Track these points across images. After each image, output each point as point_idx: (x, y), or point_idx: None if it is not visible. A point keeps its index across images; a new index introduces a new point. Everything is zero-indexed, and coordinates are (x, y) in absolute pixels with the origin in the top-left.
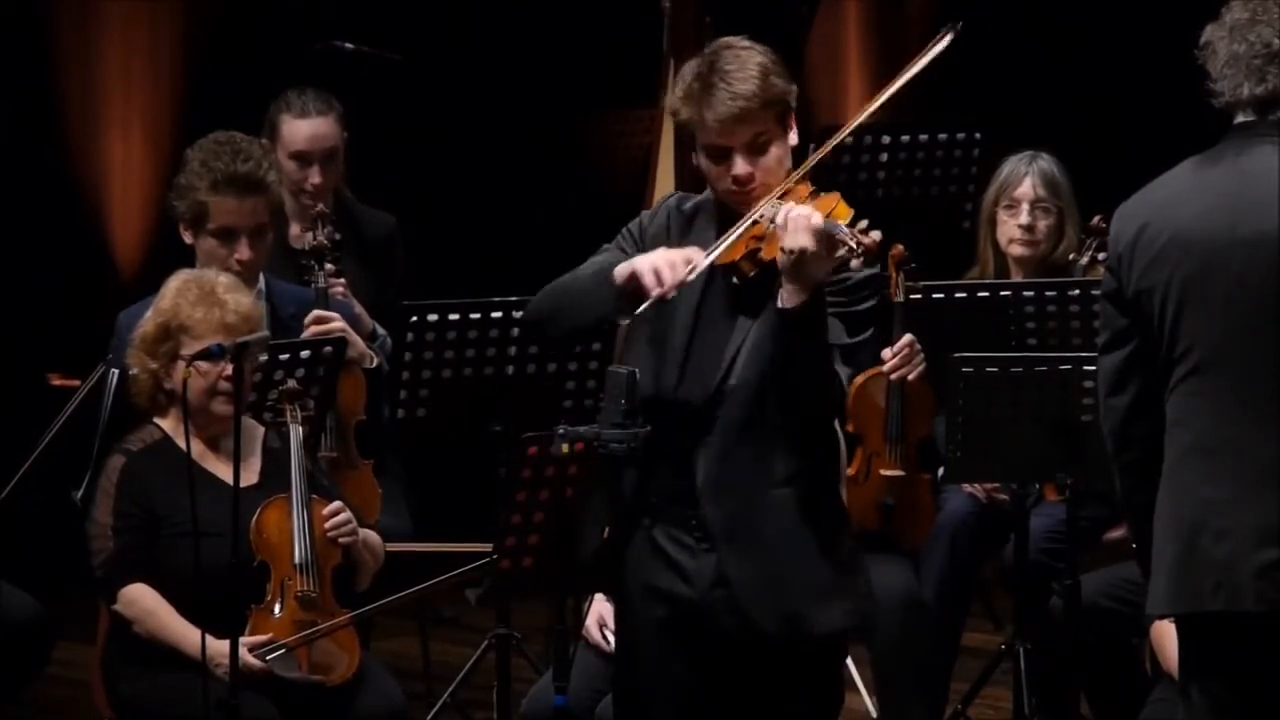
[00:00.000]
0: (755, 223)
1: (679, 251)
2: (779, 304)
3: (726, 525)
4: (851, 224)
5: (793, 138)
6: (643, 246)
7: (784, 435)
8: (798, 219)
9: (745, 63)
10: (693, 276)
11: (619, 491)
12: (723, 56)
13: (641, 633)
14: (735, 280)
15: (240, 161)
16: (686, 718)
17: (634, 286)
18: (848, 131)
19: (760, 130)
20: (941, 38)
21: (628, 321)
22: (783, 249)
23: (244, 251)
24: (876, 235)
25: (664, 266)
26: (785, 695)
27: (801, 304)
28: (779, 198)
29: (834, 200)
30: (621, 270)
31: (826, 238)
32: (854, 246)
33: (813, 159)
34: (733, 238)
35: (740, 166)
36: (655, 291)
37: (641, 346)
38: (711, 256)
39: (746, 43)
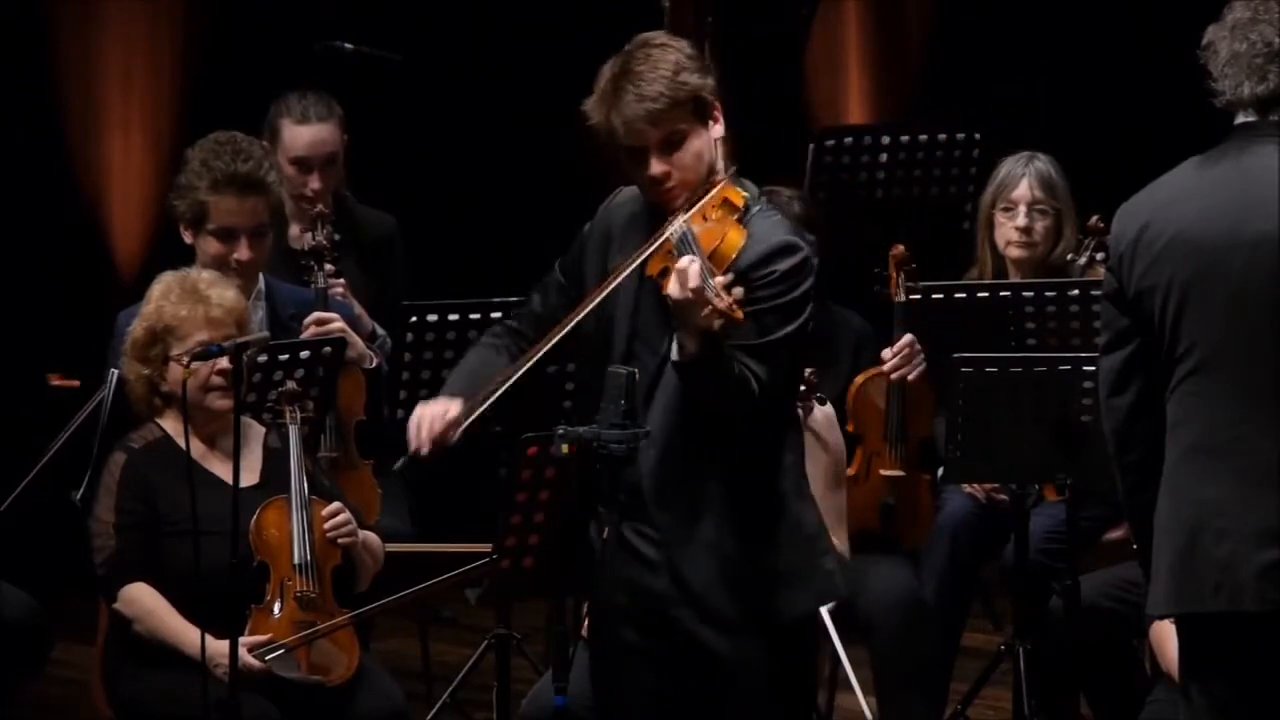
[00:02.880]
0: (665, 239)
1: (430, 414)
2: (673, 356)
3: (675, 528)
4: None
5: (717, 130)
6: (582, 259)
7: (714, 433)
8: (680, 273)
9: (657, 63)
10: (455, 432)
11: (600, 491)
12: (634, 57)
13: (613, 629)
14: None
15: (241, 161)
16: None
17: None
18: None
19: (672, 129)
20: None
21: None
22: (671, 299)
23: (244, 252)
24: (738, 293)
25: (424, 423)
26: (755, 687)
27: (693, 355)
28: (699, 207)
29: (720, 232)
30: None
31: (700, 294)
32: (716, 305)
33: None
34: (601, 294)
35: (655, 166)
36: (412, 446)
37: (592, 351)
38: (473, 416)
39: (662, 38)
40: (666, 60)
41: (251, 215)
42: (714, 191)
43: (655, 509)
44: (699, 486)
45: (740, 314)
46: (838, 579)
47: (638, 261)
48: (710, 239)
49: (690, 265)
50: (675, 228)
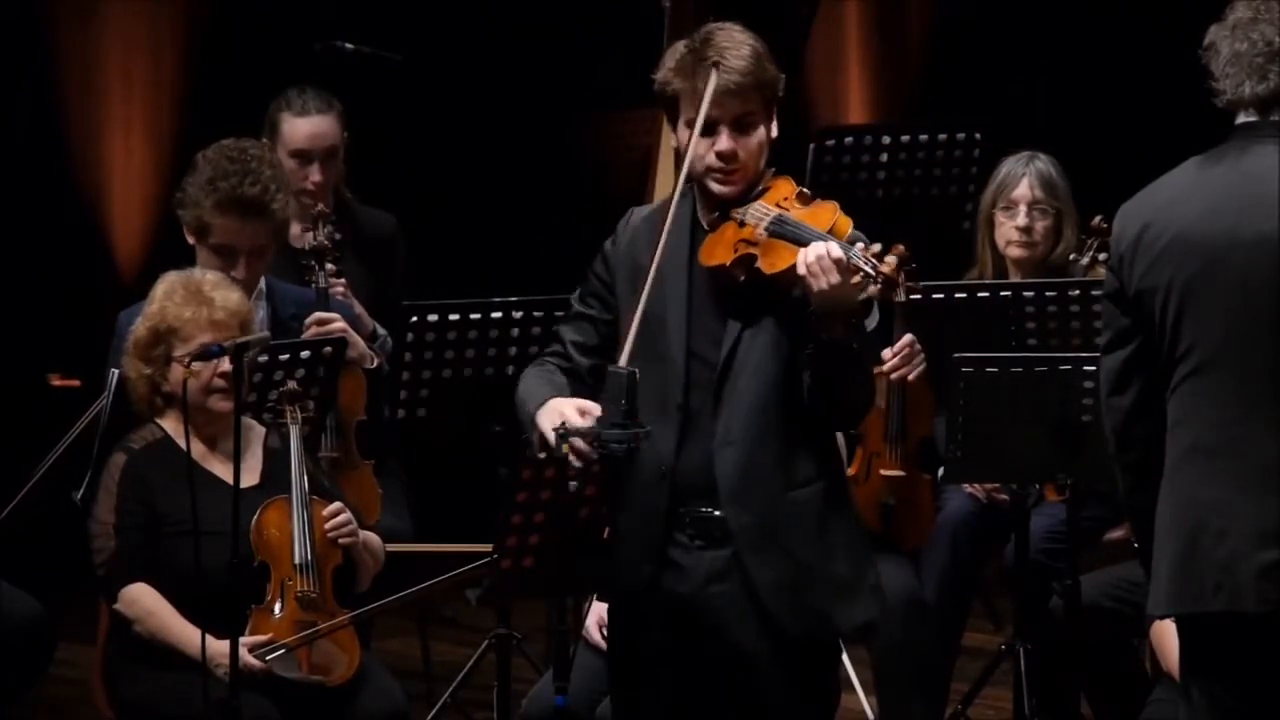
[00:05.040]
0: (742, 224)
1: (572, 406)
2: (824, 336)
3: (752, 531)
4: (859, 243)
5: (774, 130)
6: (613, 276)
7: (804, 438)
8: (822, 260)
9: (740, 44)
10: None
11: (617, 491)
12: (717, 35)
13: (637, 630)
14: (724, 283)
15: (248, 185)
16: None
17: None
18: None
19: (749, 109)
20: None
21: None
22: (816, 290)
23: (241, 271)
24: (892, 260)
25: (552, 427)
26: (782, 694)
27: (842, 342)
28: (766, 200)
29: (831, 211)
30: (537, 421)
31: (847, 266)
32: (870, 274)
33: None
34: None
35: (725, 142)
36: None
37: (635, 343)
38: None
39: (740, 28)
40: (749, 43)
41: (252, 237)
42: (779, 182)
43: (732, 512)
44: (776, 492)
45: (904, 280)
46: (882, 596)
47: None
48: (819, 219)
49: (825, 245)
50: (758, 212)
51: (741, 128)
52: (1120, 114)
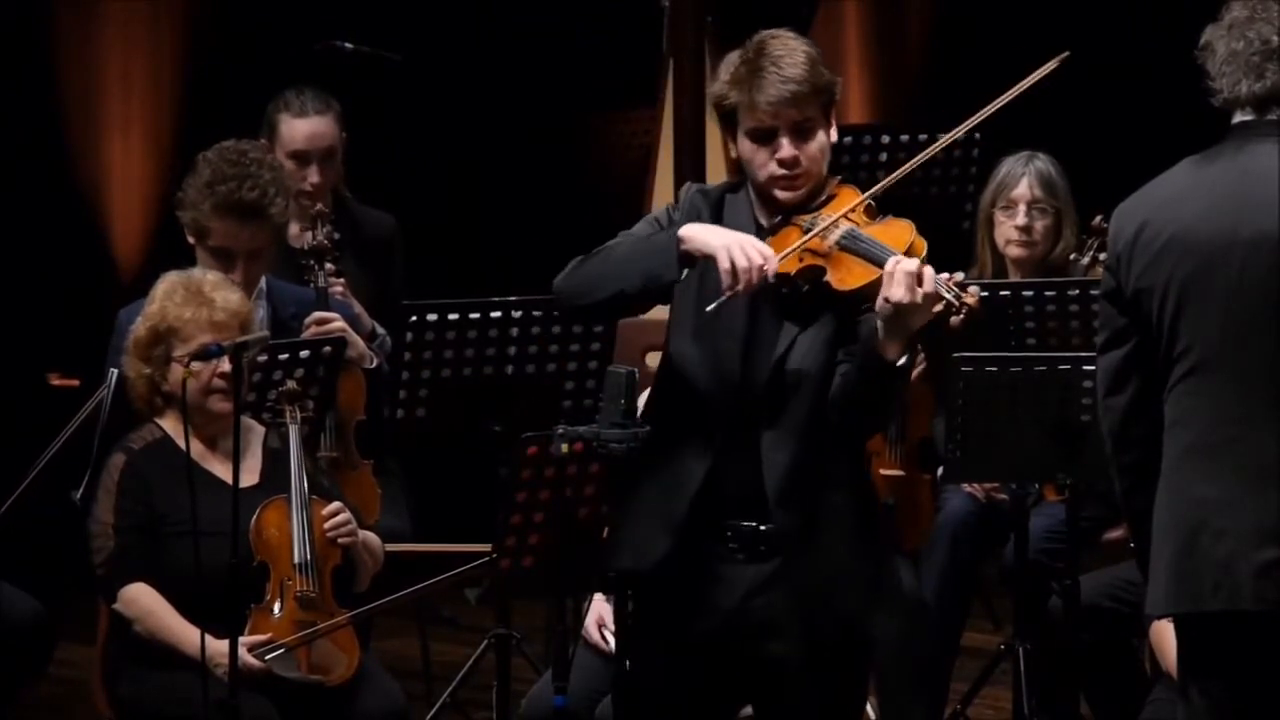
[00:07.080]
0: (807, 231)
1: (754, 244)
2: (883, 355)
3: (796, 533)
4: (943, 274)
5: (833, 133)
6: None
7: (843, 441)
8: (904, 274)
9: (794, 51)
10: (769, 278)
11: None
12: (771, 45)
13: (665, 642)
14: (784, 289)
15: (246, 189)
16: None
17: (695, 260)
18: (934, 151)
19: (808, 115)
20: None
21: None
22: (886, 299)
23: (238, 274)
24: (975, 290)
25: (741, 262)
26: (814, 697)
27: (899, 357)
28: (832, 208)
29: (908, 230)
30: (694, 241)
31: (931, 292)
32: (954, 303)
33: (887, 182)
34: (792, 248)
35: (786, 149)
36: (727, 291)
37: (688, 338)
38: (775, 263)
39: (792, 34)
40: (803, 49)
41: (250, 241)
42: (844, 190)
43: (779, 513)
44: (818, 494)
45: (979, 310)
46: (902, 595)
47: (793, 248)
48: (895, 238)
49: (920, 265)
50: (826, 222)
51: (801, 134)
52: (1120, 114)
